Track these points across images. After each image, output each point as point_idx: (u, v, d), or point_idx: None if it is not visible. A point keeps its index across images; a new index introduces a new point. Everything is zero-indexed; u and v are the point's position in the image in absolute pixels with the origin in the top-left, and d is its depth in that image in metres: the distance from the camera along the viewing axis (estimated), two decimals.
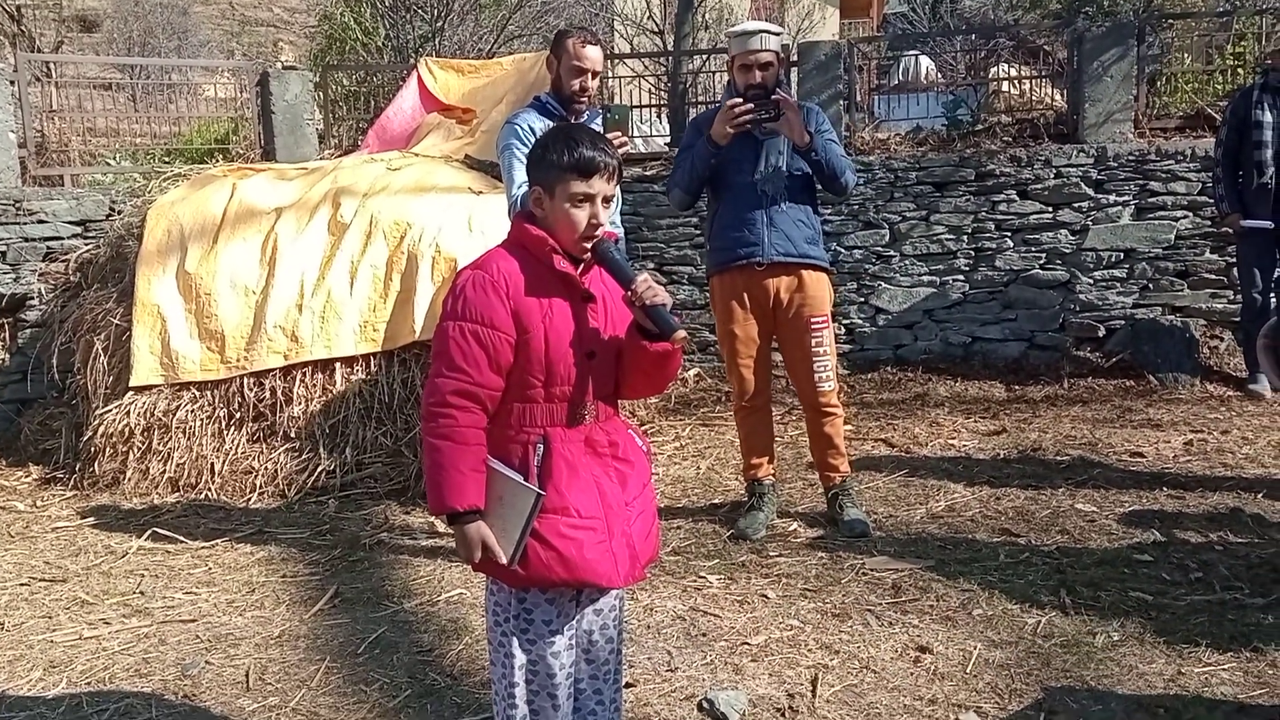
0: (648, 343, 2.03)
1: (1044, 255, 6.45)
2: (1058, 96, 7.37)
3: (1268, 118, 5.47)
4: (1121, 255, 6.38)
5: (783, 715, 2.68)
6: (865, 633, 3.13)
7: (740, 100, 3.82)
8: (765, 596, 3.42)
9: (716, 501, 4.48)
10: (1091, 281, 6.39)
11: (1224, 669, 2.79)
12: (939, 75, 8.72)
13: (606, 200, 2.05)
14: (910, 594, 3.42)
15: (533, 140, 3.46)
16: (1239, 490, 4.25)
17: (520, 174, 3.45)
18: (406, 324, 4.84)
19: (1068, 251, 6.42)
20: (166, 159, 7.12)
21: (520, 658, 2.09)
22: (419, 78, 6.69)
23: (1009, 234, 6.47)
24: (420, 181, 5.38)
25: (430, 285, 4.84)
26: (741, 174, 3.94)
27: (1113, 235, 6.37)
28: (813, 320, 3.98)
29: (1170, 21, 7.15)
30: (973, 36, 8.55)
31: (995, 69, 7.98)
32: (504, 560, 1.98)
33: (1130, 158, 6.33)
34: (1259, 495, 4.17)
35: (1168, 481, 4.40)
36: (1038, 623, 3.15)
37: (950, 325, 6.53)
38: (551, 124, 3.55)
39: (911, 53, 9.14)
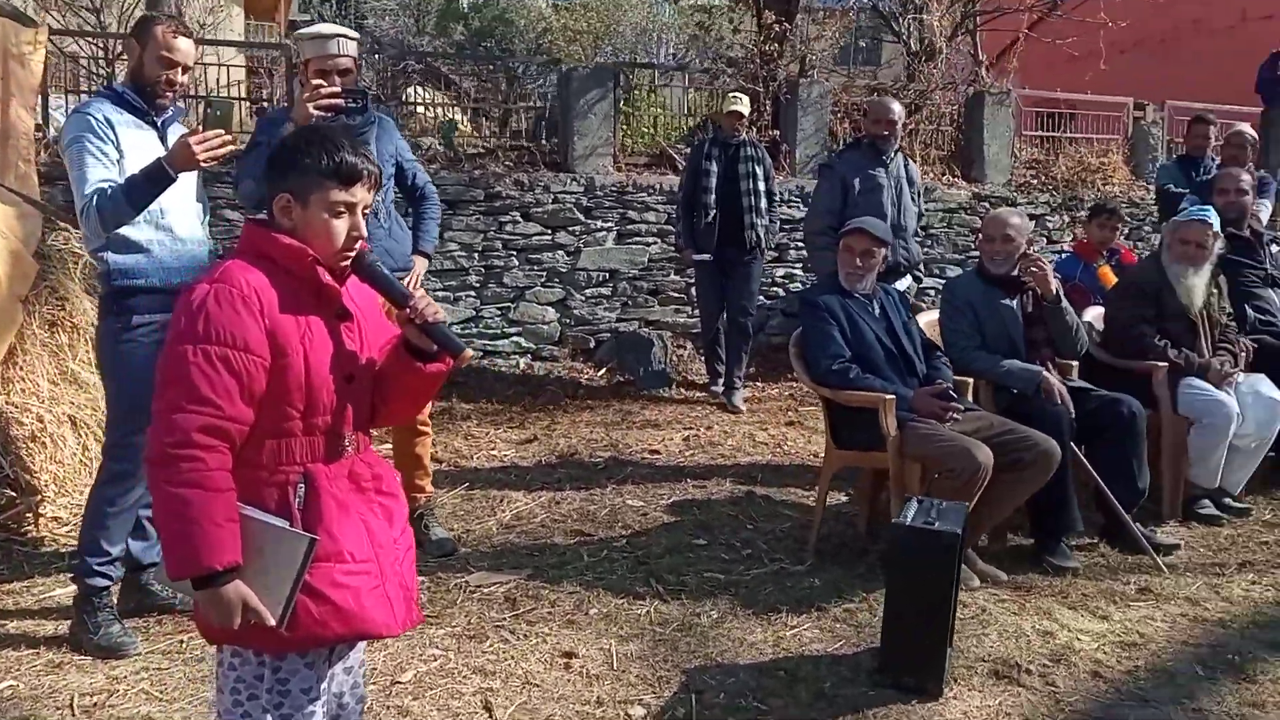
0: (422, 364, 1.90)
1: (545, 273, 6.95)
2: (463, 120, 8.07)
3: (714, 168, 6.28)
4: (607, 275, 7.12)
5: None
6: (507, 649, 3.17)
7: (323, 84, 3.59)
8: None
9: None
10: (584, 298, 7.05)
11: (806, 629, 3.34)
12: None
13: (365, 210, 1.88)
14: (526, 604, 3.52)
15: (108, 132, 3.02)
16: (741, 475, 5.05)
17: (96, 171, 2.96)
18: None
19: (564, 270, 7.00)
20: None
21: None
22: None
23: (515, 253, 6.87)
24: None
25: None
26: None
27: (600, 257, 7.09)
28: None
29: (633, 70, 8.16)
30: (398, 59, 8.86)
31: (408, 90, 8.48)
32: (273, 622, 1.71)
33: (613, 188, 7.11)
34: (758, 478, 5.00)
35: (687, 473, 5.06)
36: (647, 612, 3.46)
37: (464, 340, 6.71)
38: (129, 115, 3.09)
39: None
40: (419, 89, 8.79)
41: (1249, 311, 4.95)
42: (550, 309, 6.97)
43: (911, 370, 3.97)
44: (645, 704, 2.87)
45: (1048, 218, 8.50)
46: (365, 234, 1.87)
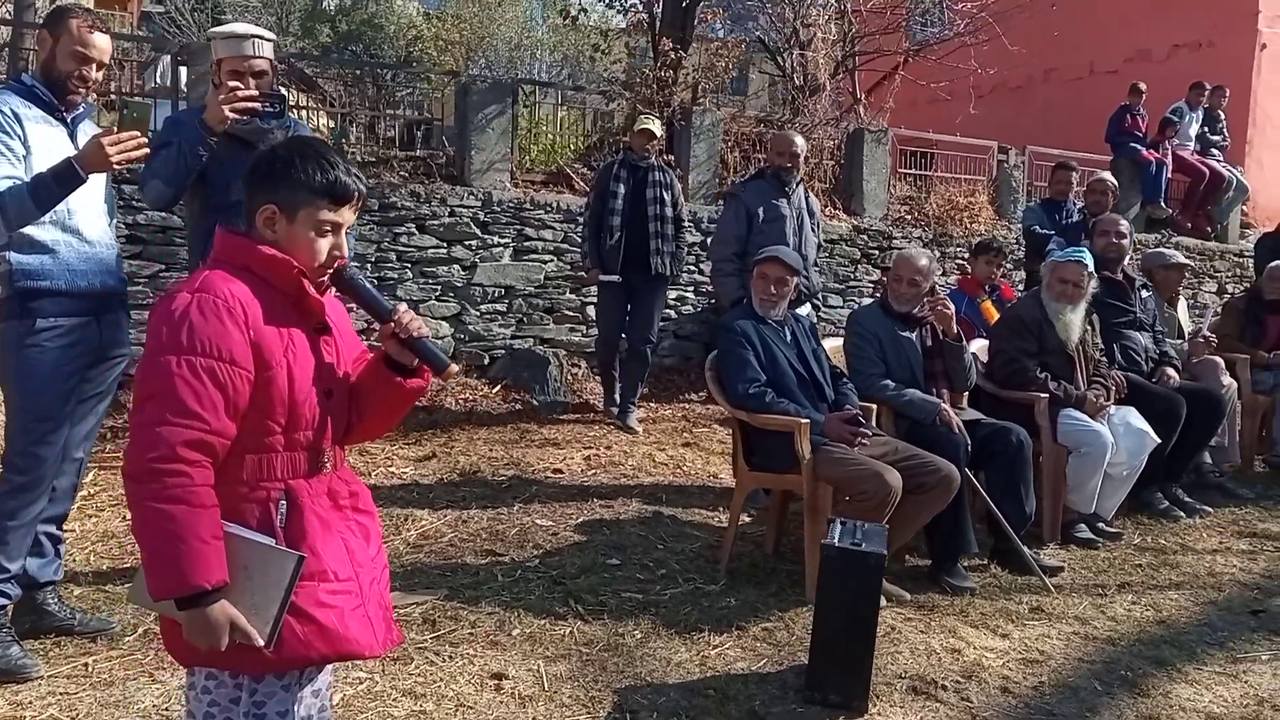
0: (403, 379, 1.88)
1: (440, 288, 6.85)
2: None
3: (621, 189, 6.20)
4: (503, 291, 7.08)
5: None
6: (434, 671, 3.12)
7: (240, 86, 3.48)
8: None
9: None
10: (479, 314, 6.98)
11: (729, 648, 3.40)
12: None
13: (347, 231, 1.86)
14: (446, 625, 3.47)
15: (15, 127, 2.89)
16: (646, 495, 5.10)
17: (2, 167, 2.79)
18: None
19: (459, 285, 6.91)
20: None
21: None
22: None
23: (410, 265, 6.74)
24: None
25: None
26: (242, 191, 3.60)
27: (496, 273, 7.04)
28: None
29: (530, 88, 8.16)
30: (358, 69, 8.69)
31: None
32: (261, 643, 1.66)
33: (510, 204, 7.08)
34: (663, 499, 5.06)
35: (593, 493, 5.07)
36: (570, 633, 3.46)
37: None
38: (38, 110, 2.96)
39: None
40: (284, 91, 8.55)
41: (1115, 351, 5.34)
42: (444, 324, 6.87)
43: (821, 395, 4.12)
44: None
45: None
46: (346, 253, 1.84)
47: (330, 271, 1.84)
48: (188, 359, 1.64)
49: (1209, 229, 11.09)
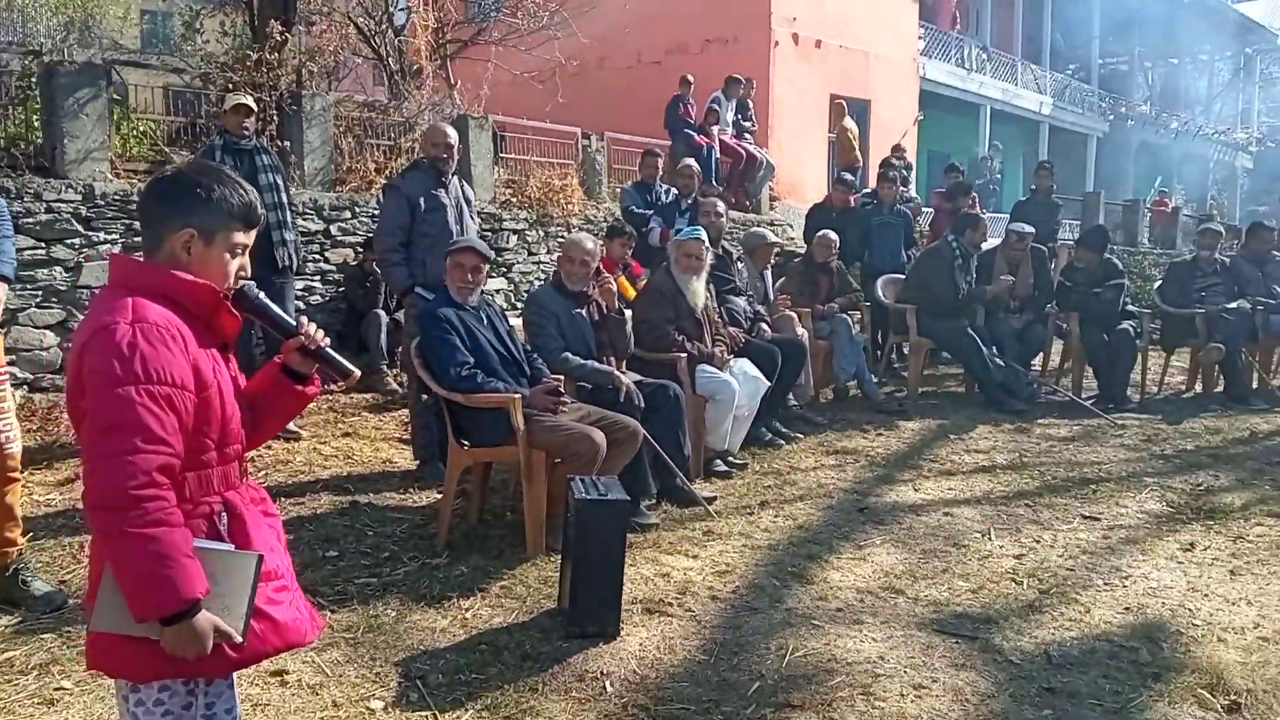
0: (303, 387, 2.02)
1: (40, 293, 6.18)
2: None
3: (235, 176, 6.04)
4: None
5: None
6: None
7: None
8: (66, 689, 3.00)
9: None
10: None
11: (480, 609, 3.73)
12: None
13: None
14: None
15: None
16: (331, 488, 5.16)
17: None
18: None
19: (64, 289, 6.28)
20: None
21: None
22: None
23: None
24: None
25: None
26: None
27: (105, 272, 6.47)
28: None
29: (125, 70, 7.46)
30: None
31: None
32: (239, 639, 1.77)
33: (116, 197, 6.53)
34: (350, 489, 5.16)
35: (278, 493, 4.97)
36: (327, 625, 3.56)
37: None
38: None
39: None
40: None
41: (723, 313, 6.34)
42: (49, 333, 6.21)
43: (521, 371, 4.53)
44: (380, 698, 3.06)
45: (527, 232, 9.56)
46: (250, 272, 1.95)
47: (238, 291, 1.92)
48: (146, 388, 1.68)
49: (747, 203, 12.99)
